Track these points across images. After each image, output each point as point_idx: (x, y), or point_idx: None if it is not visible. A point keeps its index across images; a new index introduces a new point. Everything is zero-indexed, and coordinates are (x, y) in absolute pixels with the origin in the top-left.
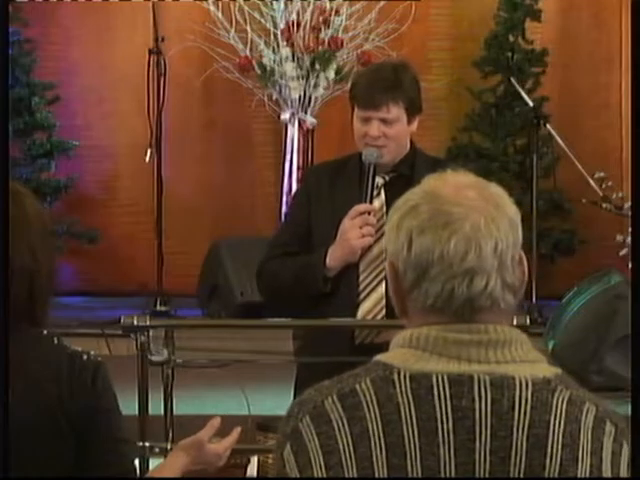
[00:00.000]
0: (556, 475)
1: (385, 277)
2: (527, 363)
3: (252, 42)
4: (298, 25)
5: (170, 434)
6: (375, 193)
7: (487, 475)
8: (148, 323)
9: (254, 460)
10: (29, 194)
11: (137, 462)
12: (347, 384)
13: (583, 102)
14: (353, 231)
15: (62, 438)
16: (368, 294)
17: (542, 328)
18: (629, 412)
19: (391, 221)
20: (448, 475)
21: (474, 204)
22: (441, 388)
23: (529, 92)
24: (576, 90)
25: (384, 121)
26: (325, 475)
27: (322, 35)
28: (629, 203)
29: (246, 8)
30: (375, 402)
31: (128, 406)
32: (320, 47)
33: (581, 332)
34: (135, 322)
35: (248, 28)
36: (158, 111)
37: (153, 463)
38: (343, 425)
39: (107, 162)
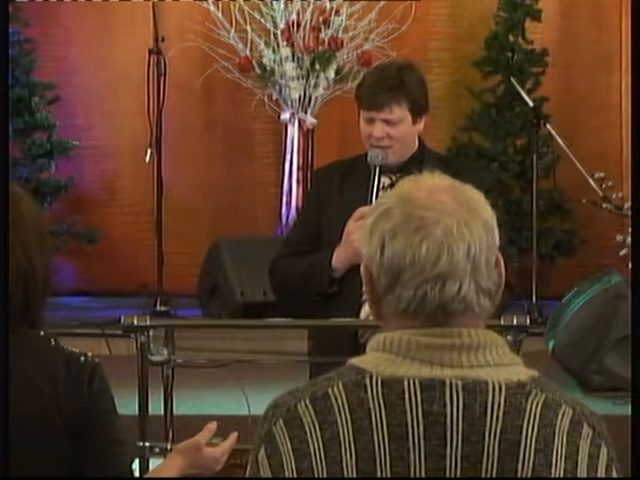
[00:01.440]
0: None
1: None
2: (502, 367)
3: (252, 42)
4: (298, 25)
5: (170, 434)
6: (382, 194)
7: None
8: (148, 323)
9: None
10: (25, 195)
11: (137, 462)
12: (320, 388)
13: (583, 102)
14: (357, 233)
15: (58, 439)
16: None
17: (542, 328)
18: (629, 412)
19: (366, 225)
20: None
21: (447, 208)
22: (412, 393)
23: (529, 92)
24: (576, 90)
25: (387, 122)
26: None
27: (322, 35)
28: (629, 203)
29: (246, 8)
30: (346, 407)
31: (128, 406)
32: (320, 47)
33: (581, 332)
34: (135, 322)
35: (248, 28)
36: (158, 111)
37: (153, 463)
38: (315, 429)
39: (107, 162)
